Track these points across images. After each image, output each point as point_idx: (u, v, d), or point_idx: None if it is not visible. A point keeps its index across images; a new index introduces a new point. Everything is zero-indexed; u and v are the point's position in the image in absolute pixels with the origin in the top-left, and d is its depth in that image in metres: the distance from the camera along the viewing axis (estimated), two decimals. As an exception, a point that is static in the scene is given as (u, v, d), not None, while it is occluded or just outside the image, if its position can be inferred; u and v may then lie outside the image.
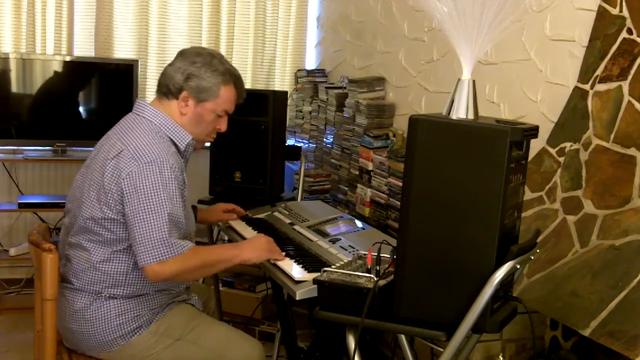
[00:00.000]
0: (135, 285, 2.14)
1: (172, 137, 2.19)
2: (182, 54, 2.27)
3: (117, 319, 2.12)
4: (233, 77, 2.27)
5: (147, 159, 2.05)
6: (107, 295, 2.12)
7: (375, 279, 1.72)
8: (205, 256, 2.17)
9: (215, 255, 2.21)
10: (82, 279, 2.13)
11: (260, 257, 2.23)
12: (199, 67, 2.21)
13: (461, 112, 1.69)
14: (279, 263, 2.23)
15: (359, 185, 3.43)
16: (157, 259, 2.01)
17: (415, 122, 1.65)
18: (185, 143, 2.21)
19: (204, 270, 2.23)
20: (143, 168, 2.04)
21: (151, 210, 2.02)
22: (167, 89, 2.22)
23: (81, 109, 4.06)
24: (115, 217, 2.08)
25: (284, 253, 2.29)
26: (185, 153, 2.24)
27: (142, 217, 2.02)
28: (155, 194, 2.03)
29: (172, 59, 2.29)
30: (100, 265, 2.11)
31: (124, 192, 2.04)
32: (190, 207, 2.32)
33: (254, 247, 2.25)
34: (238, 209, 2.77)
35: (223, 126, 2.33)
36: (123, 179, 2.04)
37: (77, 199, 2.18)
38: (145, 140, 2.10)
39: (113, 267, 2.12)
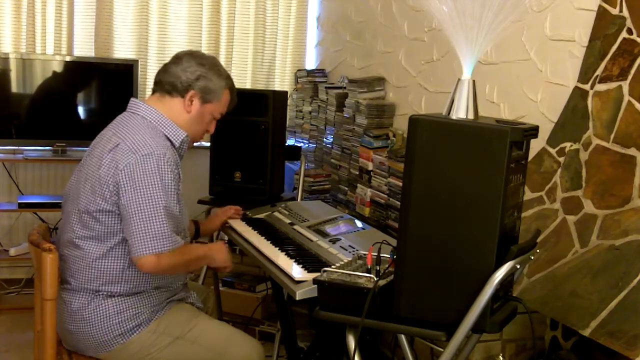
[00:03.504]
0: (132, 282, 2.15)
1: (166, 133, 2.21)
2: (189, 54, 2.32)
3: (116, 317, 2.12)
4: (231, 82, 2.37)
5: (145, 151, 2.08)
6: (105, 293, 2.13)
7: (375, 279, 1.72)
8: (192, 251, 2.26)
9: (196, 250, 2.31)
10: (79, 278, 2.14)
11: (222, 261, 2.34)
12: (208, 69, 2.27)
13: (461, 112, 1.69)
14: (279, 263, 2.22)
15: (359, 185, 3.43)
16: (155, 250, 2.03)
17: (415, 122, 1.65)
18: (180, 140, 2.24)
19: (190, 266, 2.31)
20: (141, 160, 2.06)
21: (148, 203, 2.04)
22: (172, 87, 2.25)
23: (81, 109, 4.06)
24: (110, 208, 2.09)
25: (283, 253, 2.33)
26: (180, 150, 2.25)
27: (139, 209, 2.03)
28: (152, 186, 2.05)
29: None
30: (96, 263, 2.12)
31: (121, 184, 2.06)
32: (190, 220, 2.37)
33: (218, 251, 2.34)
34: (235, 208, 2.80)
35: (212, 129, 2.40)
36: (121, 171, 2.06)
37: (71, 196, 2.20)
38: (142, 135, 2.13)
39: (109, 264, 2.12)
